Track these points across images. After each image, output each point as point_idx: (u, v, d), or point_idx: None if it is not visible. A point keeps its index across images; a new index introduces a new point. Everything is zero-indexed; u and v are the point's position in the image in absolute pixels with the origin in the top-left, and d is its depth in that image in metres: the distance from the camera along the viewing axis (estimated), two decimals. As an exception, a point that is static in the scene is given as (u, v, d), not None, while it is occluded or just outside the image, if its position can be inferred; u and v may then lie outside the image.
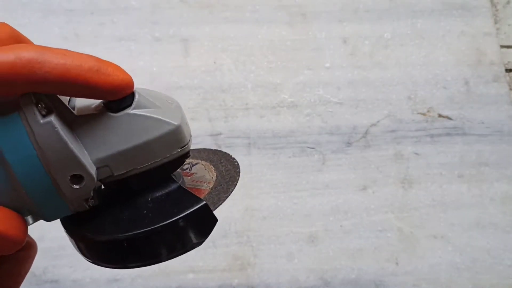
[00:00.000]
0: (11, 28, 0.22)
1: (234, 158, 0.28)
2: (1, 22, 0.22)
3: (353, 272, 0.51)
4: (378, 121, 0.57)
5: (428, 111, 0.58)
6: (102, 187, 0.24)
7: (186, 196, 0.24)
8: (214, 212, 0.23)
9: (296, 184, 0.54)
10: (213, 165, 0.28)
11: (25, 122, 0.20)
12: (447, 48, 0.60)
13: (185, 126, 0.24)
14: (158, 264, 0.23)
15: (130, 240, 0.22)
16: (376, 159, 0.55)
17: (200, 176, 0.28)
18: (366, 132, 0.56)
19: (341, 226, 0.53)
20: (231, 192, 0.25)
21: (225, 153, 0.29)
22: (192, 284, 0.49)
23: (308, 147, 0.55)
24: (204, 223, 0.23)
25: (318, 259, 0.52)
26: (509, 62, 0.61)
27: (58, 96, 0.21)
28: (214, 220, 0.23)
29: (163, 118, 0.22)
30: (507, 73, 0.60)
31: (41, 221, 0.23)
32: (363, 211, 0.54)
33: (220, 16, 0.59)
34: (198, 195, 0.23)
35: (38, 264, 0.48)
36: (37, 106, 0.20)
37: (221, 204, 0.24)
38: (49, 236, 0.49)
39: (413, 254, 0.53)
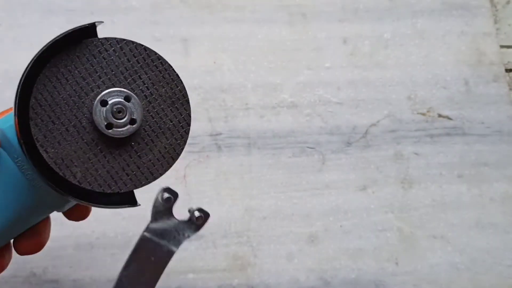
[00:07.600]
0: None
1: None
2: None
3: (353, 272, 0.51)
4: (378, 121, 0.57)
5: (428, 111, 0.58)
6: None
7: None
8: None
9: (296, 184, 0.54)
10: None
11: None
12: (447, 48, 0.60)
13: None
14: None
15: None
16: (376, 159, 0.55)
17: None
18: (366, 132, 0.56)
19: (341, 226, 0.53)
20: None
21: None
22: (192, 284, 0.49)
23: (308, 147, 0.55)
24: None
25: (318, 259, 0.52)
26: (509, 62, 0.61)
27: None
28: None
29: None
30: (507, 73, 0.60)
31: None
32: (363, 211, 0.54)
33: (220, 16, 0.59)
34: None
35: (38, 264, 0.48)
36: None
37: None
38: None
39: (413, 254, 0.53)
